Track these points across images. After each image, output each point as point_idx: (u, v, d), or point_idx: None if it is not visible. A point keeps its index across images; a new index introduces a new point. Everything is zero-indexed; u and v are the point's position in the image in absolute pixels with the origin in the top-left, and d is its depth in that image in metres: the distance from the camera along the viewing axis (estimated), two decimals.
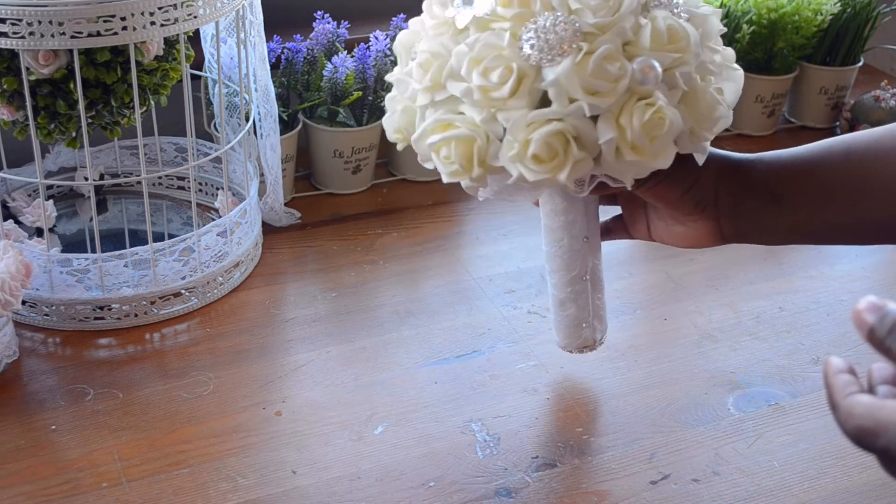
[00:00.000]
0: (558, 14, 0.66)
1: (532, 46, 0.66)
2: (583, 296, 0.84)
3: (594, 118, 0.67)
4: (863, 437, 0.48)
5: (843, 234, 0.75)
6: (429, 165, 0.73)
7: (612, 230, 0.85)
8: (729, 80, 0.73)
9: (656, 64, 0.66)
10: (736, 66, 0.74)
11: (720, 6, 1.28)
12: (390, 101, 0.76)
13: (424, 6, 0.73)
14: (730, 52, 0.74)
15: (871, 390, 0.51)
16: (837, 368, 0.51)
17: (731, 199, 0.74)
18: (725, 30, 0.74)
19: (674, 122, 0.67)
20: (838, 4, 1.32)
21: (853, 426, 0.49)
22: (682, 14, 0.69)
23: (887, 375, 0.51)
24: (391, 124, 0.75)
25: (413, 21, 0.75)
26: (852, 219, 0.72)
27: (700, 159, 0.72)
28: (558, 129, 0.66)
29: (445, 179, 0.71)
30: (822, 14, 1.30)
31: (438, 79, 0.70)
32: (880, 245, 0.77)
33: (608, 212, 0.84)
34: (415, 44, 0.74)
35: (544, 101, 0.68)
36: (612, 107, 0.67)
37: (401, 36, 0.75)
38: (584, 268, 0.82)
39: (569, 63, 0.65)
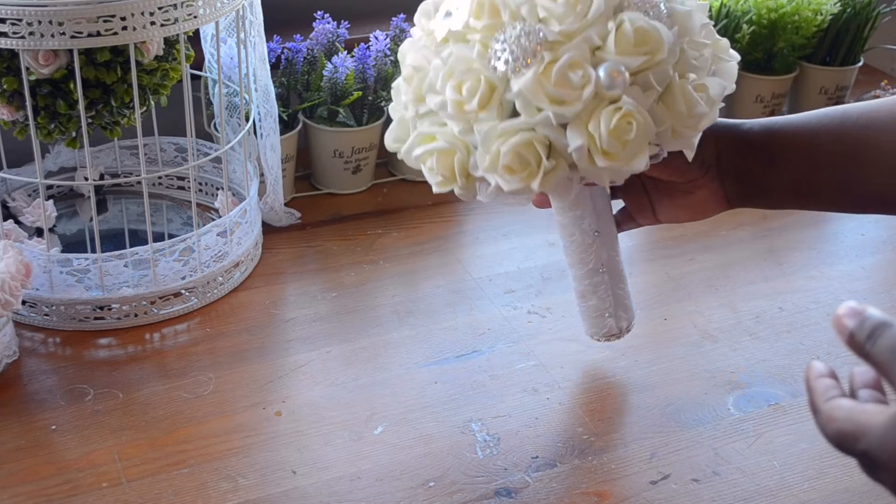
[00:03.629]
0: (525, 24, 0.66)
1: (500, 59, 0.66)
2: (601, 287, 0.86)
3: (565, 126, 0.67)
4: (843, 440, 0.49)
5: (835, 199, 0.76)
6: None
7: (619, 223, 0.86)
8: (719, 73, 0.73)
9: (623, 69, 0.66)
10: (730, 55, 0.74)
11: (720, 6, 1.28)
12: (392, 110, 0.78)
13: (415, 17, 0.74)
14: (723, 44, 0.74)
15: (852, 394, 0.51)
16: (819, 373, 0.52)
17: (732, 159, 0.77)
18: (710, 22, 0.73)
19: (643, 126, 0.67)
20: (838, 4, 1.32)
21: (834, 430, 0.49)
22: (663, 10, 0.69)
23: (868, 379, 0.52)
24: (389, 134, 0.77)
25: (413, 30, 0.76)
26: (843, 184, 0.74)
27: (689, 154, 0.73)
28: (527, 139, 0.67)
29: (435, 190, 0.73)
30: (822, 14, 1.30)
31: (420, 92, 0.71)
32: (873, 214, 0.78)
33: (614, 205, 0.85)
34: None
35: (518, 112, 0.68)
36: (581, 114, 0.67)
37: (403, 45, 0.76)
38: (599, 261, 0.84)
39: (531, 74, 0.65)
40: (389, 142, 0.77)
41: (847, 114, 0.74)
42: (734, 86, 0.75)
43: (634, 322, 0.89)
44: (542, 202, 0.83)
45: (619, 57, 0.66)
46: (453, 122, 0.70)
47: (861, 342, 0.48)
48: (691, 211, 0.80)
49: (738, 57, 0.75)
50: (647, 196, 0.82)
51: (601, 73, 0.66)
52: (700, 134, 0.72)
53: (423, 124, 0.73)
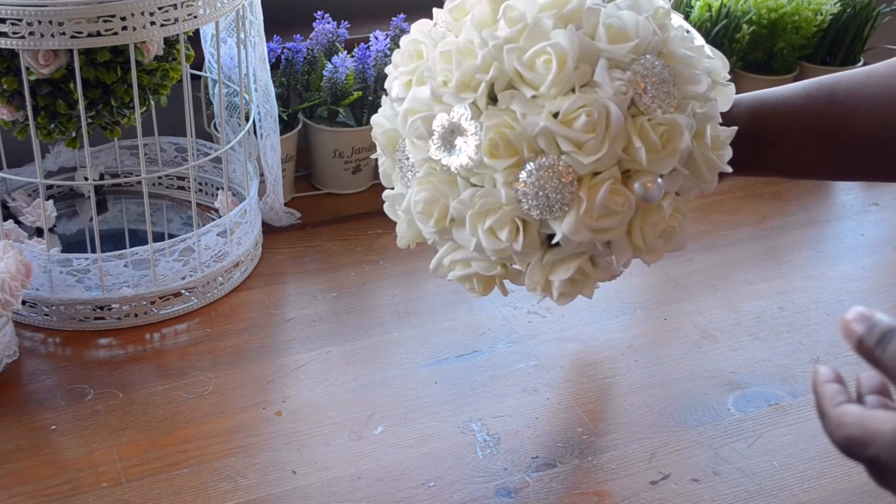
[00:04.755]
0: (550, 159, 0.63)
1: (531, 205, 0.64)
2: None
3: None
4: (852, 446, 0.48)
5: (822, 171, 0.80)
6: None
7: None
8: (717, 97, 0.71)
9: (658, 180, 0.65)
10: (726, 79, 0.72)
11: (720, 6, 1.28)
12: (389, 202, 0.76)
13: (407, 140, 0.70)
14: (719, 66, 0.71)
15: (859, 399, 0.51)
16: (826, 377, 0.52)
17: None
18: (709, 59, 0.70)
19: (682, 214, 0.67)
20: (838, 4, 1.32)
21: (842, 435, 0.49)
22: (672, 86, 0.65)
23: (875, 385, 0.51)
24: (402, 237, 0.75)
25: (382, 113, 0.74)
26: (831, 159, 0.75)
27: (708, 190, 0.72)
28: (576, 266, 0.67)
29: (476, 296, 0.74)
30: (822, 14, 1.30)
31: (442, 224, 0.69)
32: (854, 181, 0.80)
33: None
34: (398, 141, 0.72)
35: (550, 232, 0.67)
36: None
37: (380, 129, 0.74)
38: None
39: (573, 218, 0.64)
40: (401, 242, 0.76)
41: (833, 92, 0.74)
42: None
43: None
44: None
45: (652, 167, 0.64)
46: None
47: (870, 348, 0.48)
48: None
49: (727, 66, 0.73)
50: None
51: (637, 188, 0.64)
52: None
53: (449, 248, 0.71)
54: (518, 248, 0.66)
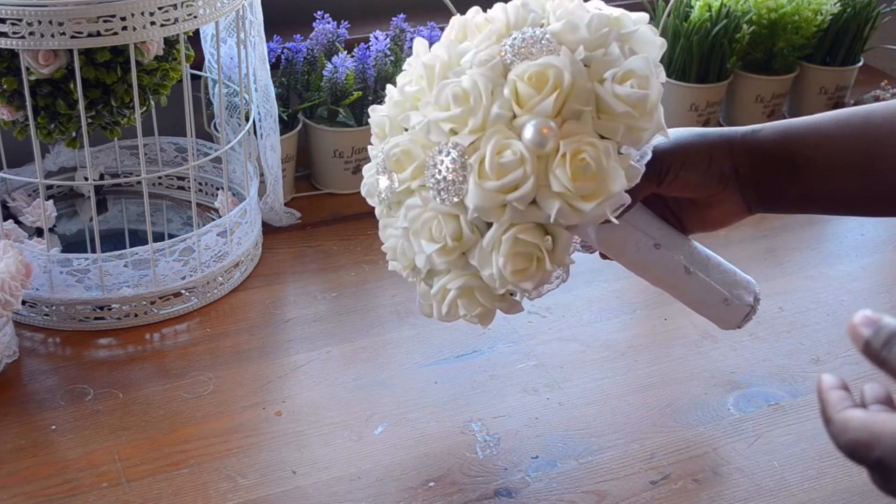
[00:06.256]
0: (442, 149, 0.66)
1: (444, 195, 0.66)
2: (702, 284, 0.79)
3: (534, 200, 0.66)
4: (857, 449, 0.49)
5: (854, 204, 0.75)
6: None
7: None
8: (636, 46, 0.69)
9: (544, 120, 0.64)
10: (634, 23, 0.69)
11: (720, 6, 1.28)
12: (384, 231, 0.77)
13: (366, 197, 0.77)
14: (622, 19, 0.69)
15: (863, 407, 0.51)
16: (831, 385, 0.52)
17: (751, 171, 0.74)
18: (597, 10, 0.68)
19: (599, 151, 0.64)
20: (838, 4, 1.32)
21: (848, 439, 0.49)
22: (542, 37, 0.66)
23: (879, 395, 0.52)
24: (393, 266, 0.77)
25: (368, 166, 0.76)
26: (864, 189, 0.72)
27: (664, 135, 0.70)
28: (513, 237, 0.66)
29: (486, 327, 0.75)
30: (822, 14, 1.30)
31: (410, 263, 0.73)
32: (891, 217, 0.76)
33: None
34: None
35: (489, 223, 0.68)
36: (538, 184, 0.65)
37: (365, 181, 0.76)
38: (679, 266, 0.78)
39: (472, 184, 0.65)
40: (391, 266, 0.78)
41: (870, 119, 0.71)
42: (664, 41, 0.69)
43: (758, 288, 0.81)
44: (603, 254, 0.80)
45: (532, 112, 0.64)
46: (450, 268, 0.71)
47: (877, 350, 0.49)
48: (716, 223, 0.78)
49: (645, 18, 0.70)
50: (673, 215, 0.79)
51: (527, 137, 0.64)
52: (662, 111, 0.69)
53: (425, 284, 0.74)
54: (452, 243, 0.68)
